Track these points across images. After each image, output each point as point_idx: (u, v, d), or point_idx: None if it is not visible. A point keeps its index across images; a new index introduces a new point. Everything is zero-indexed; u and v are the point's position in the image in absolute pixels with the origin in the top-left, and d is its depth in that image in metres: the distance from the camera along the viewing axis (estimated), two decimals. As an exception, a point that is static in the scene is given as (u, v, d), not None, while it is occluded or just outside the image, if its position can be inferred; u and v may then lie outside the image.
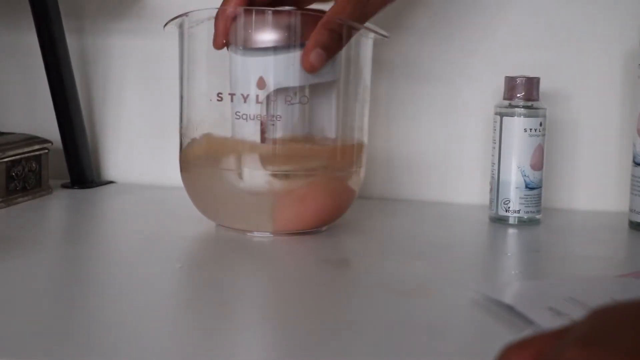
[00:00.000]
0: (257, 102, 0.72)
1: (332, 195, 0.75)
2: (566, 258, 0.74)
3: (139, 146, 1.01)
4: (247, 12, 0.72)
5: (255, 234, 0.75)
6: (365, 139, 0.78)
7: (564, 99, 0.91)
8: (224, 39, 0.73)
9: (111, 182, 1.01)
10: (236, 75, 0.73)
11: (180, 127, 0.79)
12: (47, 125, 0.98)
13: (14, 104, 1.04)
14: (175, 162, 1.01)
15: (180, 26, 0.77)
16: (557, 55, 0.91)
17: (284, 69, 0.71)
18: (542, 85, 0.83)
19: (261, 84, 0.72)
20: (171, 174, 1.00)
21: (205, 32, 0.75)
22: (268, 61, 0.71)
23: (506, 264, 0.74)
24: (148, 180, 1.00)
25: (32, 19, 0.93)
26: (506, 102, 0.83)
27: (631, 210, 0.83)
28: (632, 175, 0.82)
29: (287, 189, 0.73)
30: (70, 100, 0.96)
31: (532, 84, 0.82)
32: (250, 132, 0.72)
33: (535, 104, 0.82)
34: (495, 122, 0.83)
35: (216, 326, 0.55)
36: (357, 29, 0.73)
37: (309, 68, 0.71)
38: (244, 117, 0.72)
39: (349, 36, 0.73)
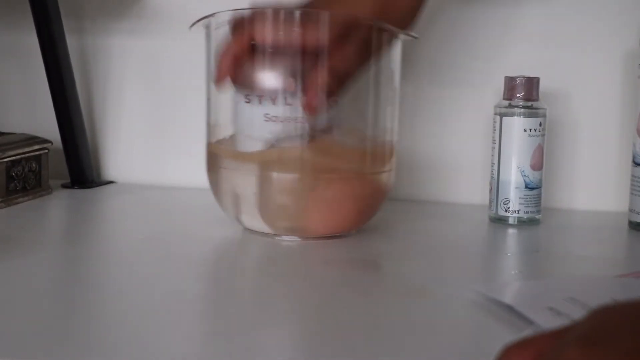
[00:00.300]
0: (286, 104, 0.72)
1: (364, 197, 0.75)
2: (566, 258, 0.74)
3: (139, 146, 1.02)
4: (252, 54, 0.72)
5: (284, 237, 0.74)
6: (395, 140, 0.78)
7: (564, 99, 0.91)
8: (225, 77, 0.73)
9: (111, 182, 1.01)
10: (242, 117, 0.74)
11: (208, 128, 0.78)
12: (47, 125, 0.98)
13: (14, 104, 1.04)
14: (175, 162, 1.01)
15: (207, 27, 0.76)
16: (557, 56, 0.91)
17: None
18: (542, 86, 0.83)
19: (291, 86, 0.72)
20: (171, 174, 1.01)
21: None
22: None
23: (506, 264, 0.74)
24: (148, 180, 1.01)
25: (32, 19, 0.93)
26: (506, 102, 0.83)
27: (631, 211, 0.83)
28: (632, 176, 0.82)
29: (319, 192, 0.72)
30: (70, 100, 0.96)
31: (531, 84, 0.82)
32: (278, 134, 0.72)
33: (535, 104, 0.82)
34: (495, 122, 0.83)
35: (216, 326, 0.55)
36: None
37: (311, 111, 0.71)
38: (274, 119, 0.72)
39: (353, 80, 0.72)
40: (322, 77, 0.70)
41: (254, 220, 0.74)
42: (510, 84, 0.82)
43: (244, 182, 0.74)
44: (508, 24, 0.93)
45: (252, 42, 0.71)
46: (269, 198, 0.73)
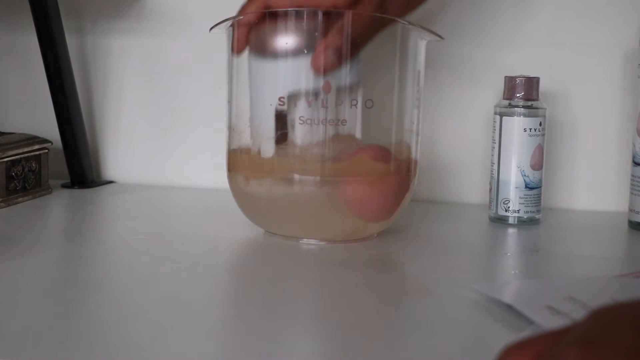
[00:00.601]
0: (323, 106, 0.71)
1: (390, 197, 0.75)
2: (566, 258, 0.74)
3: (139, 146, 1.02)
4: (270, 16, 0.72)
5: (304, 241, 0.74)
6: (419, 142, 0.77)
7: (564, 99, 0.91)
8: (245, 44, 0.73)
9: (111, 182, 1.01)
10: (262, 80, 0.73)
11: (229, 131, 0.77)
12: (47, 125, 0.98)
13: (14, 104, 1.04)
14: (175, 162, 1.01)
15: (228, 29, 0.76)
16: (557, 55, 0.91)
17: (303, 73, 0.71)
18: (542, 85, 0.83)
19: (327, 88, 0.71)
20: (171, 174, 1.01)
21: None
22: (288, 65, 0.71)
23: (506, 263, 0.74)
24: (148, 180, 1.01)
25: (32, 19, 0.93)
26: (506, 102, 0.83)
27: (631, 210, 0.83)
28: (632, 175, 0.82)
29: (347, 192, 0.72)
30: (70, 100, 0.96)
31: (531, 83, 0.82)
32: (310, 136, 0.72)
33: (534, 103, 0.82)
34: (494, 121, 0.83)
35: (216, 327, 0.55)
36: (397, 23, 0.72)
37: (318, 69, 0.70)
38: (309, 122, 0.71)
39: (364, 42, 0.72)
40: (331, 36, 0.70)
41: (276, 224, 0.74)
42: (510, 84, 0.82)
43: (268, 184, 0.73)
44: (508, 25, 0.93)
45: (267, 9, 0.71)
46: (293, 201, 0.72)
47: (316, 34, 0.70)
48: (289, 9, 0.71)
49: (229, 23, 0.74)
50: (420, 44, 0.75)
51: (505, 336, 0.51)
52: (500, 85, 0.84)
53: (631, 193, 0.82)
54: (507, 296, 0.59)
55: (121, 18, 1.00)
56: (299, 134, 0.72)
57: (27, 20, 0.94)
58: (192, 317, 0.56)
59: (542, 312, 0.52)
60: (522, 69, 0.85)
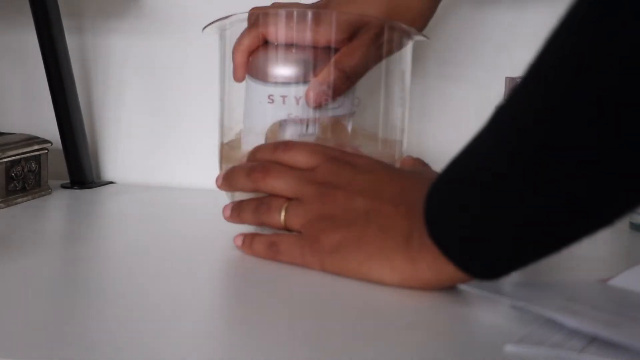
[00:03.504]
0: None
1: None
2: (566, 258, 0.73)
3: (139, 146, 1.01)
4: (266, 46, 0.73)
5: None
6: (405, 141, 0.78)
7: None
8: (243, 71, 0.75)
9: (111, 182, 1.01)
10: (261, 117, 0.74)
11: (221, 130, 0.78)
12: (47, 125, 0.98)
13: (14, 104, 1.04)
14: (175, 162, 1.01)
15: (221, 29, 0.76)
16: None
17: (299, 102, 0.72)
18: (543, 86, 0.83)
19: (319, 119, 0.73)
20: (171, 174, 1.01)
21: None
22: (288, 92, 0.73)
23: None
24: (148, 180, 1.00)
25: (32, 19, 0.93)
26: (507, 103, 0.82)
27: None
28: (633, 176, 0.82)
29: None
30: (70, 100, 0.96)
31: (532, 84, 0.82)
32: (298, 134, 0.73)
33: (535, 104, 0.82)
34: (495, 122, 0.83)
35: (217, 328, 0.55)
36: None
37: (312, 104, 0.72)
38: (297, 119, 0.73)
39: (359, 77, 0.74)
40: (327, 71, 0.71)
41: None
42: (512, 85, 0.82)
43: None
44: (509, 26, 0.92)
45: (265, 40, 0.73)
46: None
47: (310, 67, 0.72)
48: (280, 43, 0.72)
49: (221, 23, 0.75)
50: (405, 44, 0.76)
51: (504, 336, 0.51)
52: (501, 86, 0.84)
53: (632, 194, 0.82)
54: (512, 297, 0.57)
55: (121, 18, 1.00)
56: (288, 131, 0.73)
57: (27, 20, 0.94)
58: (192, 318, 0.56)
59: (559, 312, 0.52)
60: (523, 69, 0.85)
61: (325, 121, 0.74)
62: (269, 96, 0.73)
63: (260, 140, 0.73)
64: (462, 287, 0.58)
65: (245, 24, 0.75)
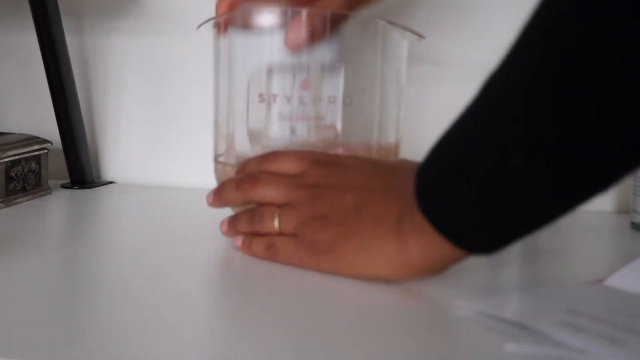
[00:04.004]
0: (301, 103, 0.72)
1: None
2: (567, 259, 0.73)
3: (139, 146, 1.01)
4: None
5: None
6: (400, 140, 0.78)
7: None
8: (225, 21, 0.74)
9: (111, 182, 1.01)
10: (236, 57, 0.73)
11: (215, 129, 0.78)
12: (47, 125, 0.98)
13: (14, 104, 1.04)
14: (175, 162, 1.01)
15: (216, 27, 0.76)
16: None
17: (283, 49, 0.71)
18: (544, 85, 0.83)
19: (305, 85, 0.72)
20: (171, 174, 1.01)
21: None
22: (273, 41, 0.71)
23: (506, 264, 0.73)
24: (148, 180, 1.00)
25: (32, 19, 0.93)
26: (507, 102, 0.82)
27: (633, 211, 0.82)
28: (635, 176, 0.82)
29: None
30: (70, 100, 0.96)
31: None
32: (287, 133, 0.72)
33: (536, 104, 0.82)
34: (496, 122, 0.83)
35: (217, 328, 0.55)
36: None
37: (291, 45, 0.71)
38: (287, 118, 0.72)
39: (341, 19, 0.72)
40: (306, 14, 0.70)
41: None
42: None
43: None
44: (509, 25, 0.92)
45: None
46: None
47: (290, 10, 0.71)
48: None
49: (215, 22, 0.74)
50: (401, 43, 0.76)
51: (505, 336, 0.50)
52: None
53: (634, 194, 0.82)
54: (512, 313, 0.57)
55: (121, 17, 1.00)
56: (278, 130, 0.73)
57: (27, 20, 0.94)
58: (192, 317, 0.56)
59: (562, 329, 0.51)
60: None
61: (315, 70, 0.72)
62: (252, 40, 0.72)
63: (266, 145, 0.73)
64: (460, 305, 0.57)
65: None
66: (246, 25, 0.72)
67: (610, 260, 0.74)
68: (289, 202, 0.65)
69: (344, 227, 0.62)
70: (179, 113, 1.00)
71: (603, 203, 0.91)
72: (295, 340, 0.52)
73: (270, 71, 0.72)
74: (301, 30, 0.70)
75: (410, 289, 0.62)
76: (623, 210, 0.88)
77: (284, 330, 0.54)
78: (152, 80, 1.00)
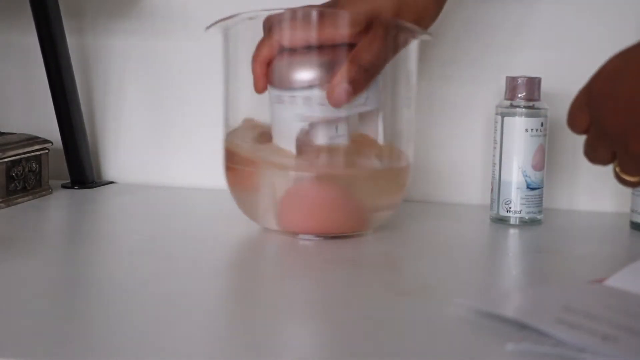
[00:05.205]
0: (320, 104, 0.72)
1: (382, 194, 0.76)
2: (567, 259, 0.74)
3: (139, 146, 1.01)
4: (284, 54, 0.72)
5: (300, 236, 0.74)
6: (412, 140, 0.78)
7: (566, 99, 0.91)
8: (264, 82, 0.73)
9: (111, 182, 1.01)
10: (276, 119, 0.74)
11: (226, 128, 0.78)
12: (47, 125, 0.98)
13: (14, 104, 1.04)
14: (175, 162, 1.01)
15: (225, 29, 0.76)
16: (559, 56, 0.91)
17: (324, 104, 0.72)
18: (544, 86, 0.83)
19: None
20: (171, 174, 1.01)
21: (250, 34, 0.75)
22: (308, 99, 0.72)
23: (507, 264, 0.73)
24: (148, 180, 1.00)
25: (32, 19, 0.93)
26: (507, 102, 0.82)
27: (632, 211, 0.82)
28: (634, 176, 0.82)
29: (336, 189, 0.73)
30: (70, 100, 0.96)
31: (533, 84, 0.82)
32: (329, 136, 0.73)
33: (536, 104, 0.82)
34: (496, 122, 0.83)
35: (218, 326, 0.55)
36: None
37: (334, 103, 0.71)
38: (325, 119, 0.72)
39: (378, 70, 0.73)
40: (345, 68, 0.71)
41: (272, 220, 0.74)
42: (512, 84, 0.82)
43: (264, 180, 0.73)
44: (510, 25, 0.92)
45: (282, 45, 0.72)
46: (292, 198, 0.73)
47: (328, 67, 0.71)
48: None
49: (225, 23, 0.74)
50: (411, 43, 0.76)
51: (503, 335, 0.50)
52: (501, 86, 0.84)
53: (633, 194, 0.82)
54: (509, 310, 0.57)
55: (121, 18, 1.00)
56: (319, 133, 0.73)
57: (27, 20, 0.94)
58: (193, 316, 0.56)
59: (556, 326, 0.51)
60: (524, 69, 0.85)
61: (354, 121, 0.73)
62: (292, 98, 0.72)
63: (291, 147, 0.73)
64: (460, 302, 0.57)
65: (248, 23, 0.74)
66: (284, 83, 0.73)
67: (610, 260, 0.74)
68: None
69: None
70: (179, 113, 1.00)
71: (603, 203, 0.91)
72: (296, 340, 0.52)
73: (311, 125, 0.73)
74: (343, 86, 0.71)
75: (410, 289, 0.62)
76: (623, 210, 0.88)
77: (284, 330, 0.54)
78: (152, 80, 1.00)
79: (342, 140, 0.73)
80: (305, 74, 0.72)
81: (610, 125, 0.59)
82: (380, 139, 0.75)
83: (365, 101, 0.73)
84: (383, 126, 0.75)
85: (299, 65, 0.72)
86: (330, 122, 0.73)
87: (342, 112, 0.72)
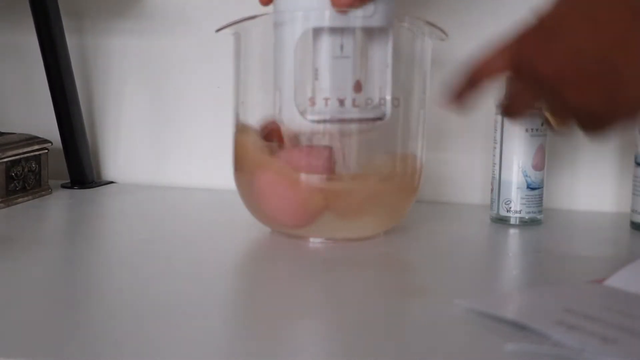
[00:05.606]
0: (354, 105, 0.70)
1: (394, 200, 0.76)
2: (567, 259, 0.73)
3: (139, 146, 1.01)
4: None
5: (311, 240, 0.74)
6: (424, 144, 0.78)
7: (566, 99, 0.91)
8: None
9: (111, 182, 1.01)
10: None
11: (236, 127, 0.77)
12: (47, 125, 0.98)
13: (14, 104, 1.04)
14: (175, 162, 1.01)
15: (236, 31, 0.75)
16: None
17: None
18: (544, 85, 0.83)
19: (358, 87, 0.70)
20: (171, 174, 1.01)
21: (260, 36, 0.74)
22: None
23: (507, 264, 0.73)
24: (148, 180, 1.00)
25: (32, 19, 0.93)
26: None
27: (633, 211, 0.82)
28: (634, 176, 0.82)
29: (351, 192, 0.73)
30: (70, 100, 0.96)
31: (533, 84, 0.82)
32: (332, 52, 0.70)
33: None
34: (496, 122, 0.83)
35: (218, 327, 0.55)
36: None
37: (338, 4, 0.67)
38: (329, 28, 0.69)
39: None
40: None
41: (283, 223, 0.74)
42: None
43: (277, 182, 0.73)
44: (509, 23, 0.92)
45: None
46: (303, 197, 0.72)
47: None
48: None
49: (237, 25, 0.73)
50: (426, 44, 0.75)
51: (503, 335, 0.50)
52: (501, 86, 0.84)
53: (633, 194, 0.82)
54: (509, 312, 0.57)
55: (121, 18, 1.00)
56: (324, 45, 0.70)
57: (27, 20, 0.94)
58: (195, 317, 0.56)
59: (556, 328, 0.51)
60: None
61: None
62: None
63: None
64: (460, 302, 0.57)
65: (261, 24, 0.73)
66: None
67: (610, 260, 0.74)
68: None
69: None
70: (179, 113, 1.00)
71: (603, 203, 0.91)
72: (295, 340, 0.52)
73: (317, 37, 0.69)
74: None
75: (410, 289, 0.62)
76: (623, 210, 0.88)
77: (285, 330, 0.54)
78: (152, 80, 1.00)
79: (347, 63, 0.69)
80: None
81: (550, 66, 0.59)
82: (389, 91, 0.72)
83: (372, 14, 0.68)
84: (392, 81, 0.72)
85: None
86: (335, 37, 0.69)
87: (346, 22, 0.68)
